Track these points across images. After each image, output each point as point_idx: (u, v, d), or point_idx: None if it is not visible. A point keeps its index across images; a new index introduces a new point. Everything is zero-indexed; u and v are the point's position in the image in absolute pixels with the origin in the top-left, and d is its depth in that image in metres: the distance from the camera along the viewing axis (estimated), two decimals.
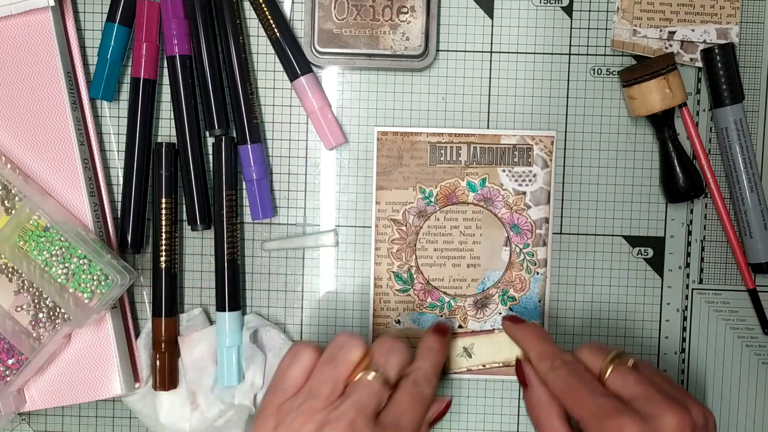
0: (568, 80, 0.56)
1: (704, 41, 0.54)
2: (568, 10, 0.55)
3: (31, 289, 0.51)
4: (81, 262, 0.50)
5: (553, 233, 0.56)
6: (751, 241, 0.55)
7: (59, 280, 0.50)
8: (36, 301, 0.51)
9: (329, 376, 0.45)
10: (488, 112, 0.56)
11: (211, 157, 0.55)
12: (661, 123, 0.54)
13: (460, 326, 0.56)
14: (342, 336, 0.47)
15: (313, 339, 0.57)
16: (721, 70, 0.54)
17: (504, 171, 0.55)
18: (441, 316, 0.56)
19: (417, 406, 0.46)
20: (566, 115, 0.56)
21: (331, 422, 0.43)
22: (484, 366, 0.56)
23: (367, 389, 0.45)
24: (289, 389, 0.46)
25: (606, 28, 0.55)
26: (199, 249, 0.57)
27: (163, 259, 0.54)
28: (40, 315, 0.51)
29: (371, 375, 0.46)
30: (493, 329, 0.56)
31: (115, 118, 0.56)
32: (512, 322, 0.53)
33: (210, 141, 0.55)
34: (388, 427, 0.44)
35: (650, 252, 0.56)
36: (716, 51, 0.54)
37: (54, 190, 0.53)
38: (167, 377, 0.54)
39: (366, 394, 0.45)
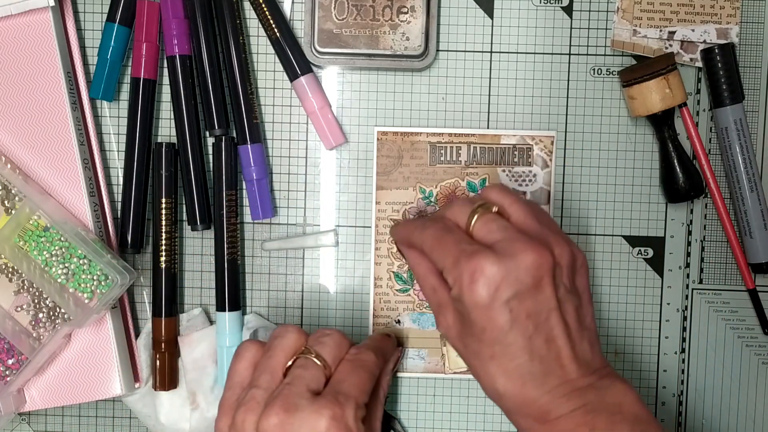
0: (568, 80, 0.56)
1: (704, 41, 0.54)
2: (568, 10, 0.55)
3: (31, 289, 0.51)
4: (81, 262, 0.50)
5: None
6: (751, 241, 0.55)
7: (59, 280, 0.50)
8: (36, 301, 0.51)
9: (267, 366, 0.46)
10: (488, 112, 0.56)
11: (211, 157, 0.55)
12: (661, 123, 0.54)
13: None
14: (279, 328, 0.48)
15: None
16: (721, 70, 0.54)
17: (504, 171, 0.55)
18: None
19: (358, 370, 0.47)
20: (566, 115, 0.56)
21: (269, 405, 0.44)
22: None
23: (301, 368, 0.46)
24: (236, 385, 0.47)
25: (606, 28, 0.55)
26: (199, 249, 0.57)
27: (163, 259, 0.54)
28: (40, 315, 0.51)
29: (304, 356, 0.46)
30: None
31: (115, 118, 0.56)
32: (394, 227, 0.53)
33: (210, 141, 0.55)
34: (327, 396, 0.44)
35: (650, 252, 0.56)
36: (716, 51, 0.54)
37: (54, 190, 0.53)
38: (167, 377, 0.54)
39: (299, 372, 0.45)
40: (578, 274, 0.46)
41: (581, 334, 0.45)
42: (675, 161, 0.54)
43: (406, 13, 0.53)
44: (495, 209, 0.46)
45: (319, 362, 0.46)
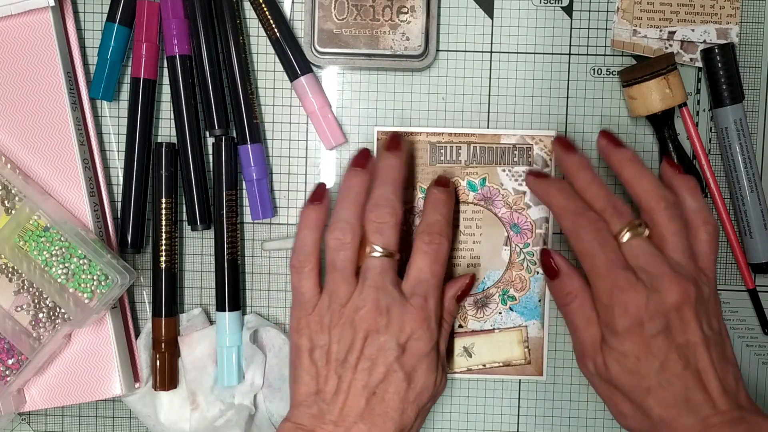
0: (568, 80, 0.56)
1: (704, 41, 0.54)
2: (568, 10, 0.55)
3: (31, 289, 0.51)
4: (81, 262, 0.50)
5: (553, 233, 0.56)
6: (751, 241, 0.55)
7: (59, 280, 0.50)
8: (36, 301, 0.51)
9: (339, 279, 0.49)
10: (488, 112, 0.56)
11: (211, 157, 0.55)
12: (661, 123, 0.54)
13: (460, 326, 0.56)
14: (332, 239, 0.49)
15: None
16: (721, 70, 0.54)
17: (504, 170, 0.55)
18: None
19: (434, 265, 0.49)
20: (566, 115, 0.56)
21: (360, 308, 0.48)
22: (484, 366, 0.56)
23: (374, 268, 0.49)
24: (309, 302, 0.50)
25: (606, 28, 0.55)
26: (199, 249, 0.57)
27: (163, 259, 0.54)
28: (40, 315, 0.51)
29: (372, 255, 0.49)
30: (493, 329, 0.56)
31: (115, 118, 0.56)
32: (535, 176, 0.53)
33: (210, 141, 0.55)
34: (410, 297, 0.49)
35: None
36: (716, 51, 0.54)
37: (54, 190, 0.53)
38: (167, 377, 0.54)
39: (376, 272, 0.48)
40: (717, 310, 0.48)
41: (725, 367, 0.47)
42: (675, 161, 0.54)
43: (406, 13, 0.53)
44: (647, 233, 0.48)
45: (388, 258, 0.49)
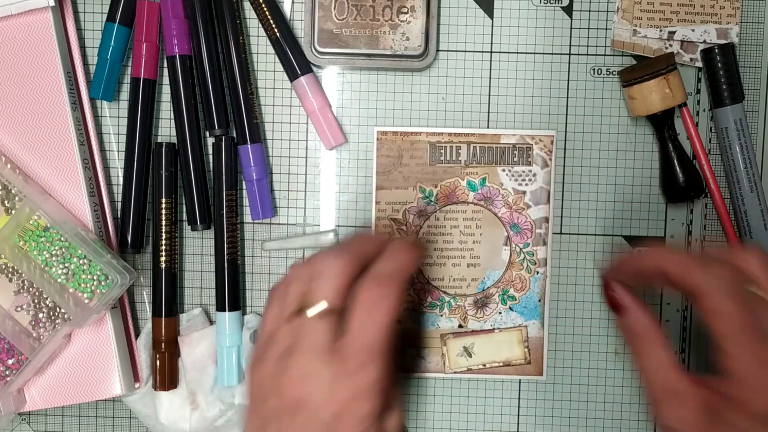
0: (568, 80, 0.56)
1: (704, 41, 0.54)
2: (568, 10, 0.55)
3: (31, 289, 0.51)
4: (81, 262, 0.50)
5: (553, 233, 0.56)
6: (751, 241, 0.55)
7: (59, 280, 0.50)
8: (36, 301, 0.51)
9: (287, 327, 0.43)
10: (488, 112, 0.56)
11: (211, 157, 0.55)
12: (661, 123, 0.54)
13: (460, 326, 0.56)
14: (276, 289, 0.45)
15: None
16: (721, 70, 0.54)
17: (504, 170, 0.55)
18: (441, 315, 0.56)
19: (372, 326, 0.42)
20: (566, 115, 0.56)
21: (288, 369, 0.42)
22: (484, 366, 0.56)
23: (307, 327, 0.42)
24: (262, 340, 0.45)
25: (606, 28, 0.55)
26: (199, 249, 0.57)
27: (163, 259, 0.54)
28: (40, 315, 0.51)
29: (308, 313, 0.43)
30: (493, 329, 0.56)
31: (115, 118, 0.56)
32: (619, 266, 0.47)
33: (210, 141, 0.55)
34: (346, 358, 0.41)
35: None
36: (716, 51, 0.54)
37: (54, 190, 0.53)
38: (167, 377, 0.54)
39: (309, 333, 0.42)
40: None
41: None
42: (675, 161, 0.54)
43: (406, 13, 0.53)
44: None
45: (329, 313, 0.42)
